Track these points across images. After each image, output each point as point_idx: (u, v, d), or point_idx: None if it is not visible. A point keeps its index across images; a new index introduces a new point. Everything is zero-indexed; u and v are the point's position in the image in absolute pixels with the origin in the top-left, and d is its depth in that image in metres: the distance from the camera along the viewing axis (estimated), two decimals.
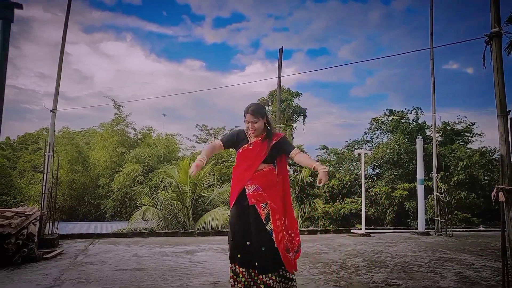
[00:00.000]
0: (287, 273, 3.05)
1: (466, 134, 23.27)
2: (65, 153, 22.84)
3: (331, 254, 5.71)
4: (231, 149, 3.52)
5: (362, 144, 25.98)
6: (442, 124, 22.39)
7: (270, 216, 3.04)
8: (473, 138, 23.19)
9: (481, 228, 10.29)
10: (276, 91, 23.17)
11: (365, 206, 9.39)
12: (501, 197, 2.82)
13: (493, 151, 19.39)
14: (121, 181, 21.26)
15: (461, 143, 22.62)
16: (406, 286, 3.86)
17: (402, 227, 11.39)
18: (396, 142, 20.68)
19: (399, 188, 18.51)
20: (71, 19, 7.61)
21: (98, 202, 23.06)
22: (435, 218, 8.80)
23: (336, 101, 56.12)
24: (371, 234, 8.40)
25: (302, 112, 24.01)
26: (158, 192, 18.24)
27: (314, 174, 21.77)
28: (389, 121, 23.88)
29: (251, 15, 51.84)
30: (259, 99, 25.75)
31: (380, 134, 25.26)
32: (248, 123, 3.16)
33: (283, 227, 3.06)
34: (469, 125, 22.99)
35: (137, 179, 21.15)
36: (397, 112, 24.57)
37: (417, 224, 9.14)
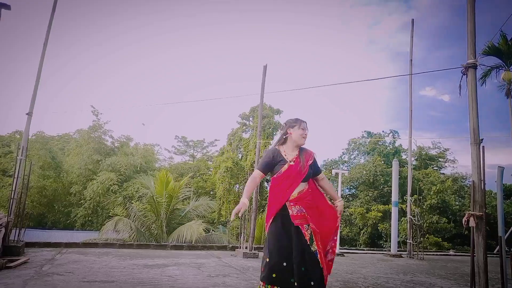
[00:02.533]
0: None
1: (440, 159, 23.94)
2: (38, 158, 22.15)
3: None
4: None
5: (339, 164, 26.29)
6: (417, 148, 22.99)
7: (313, 237, 3.09)
8: (446, 164, 23.89)
9: (451, 253, 10.50)
10: (257, 107, 23.32)
11: (340, 226, 9.45)
12: (472, 223, 2.88)
13: (465, 177, 19.99)
14: (95, 190, 20.74)
15: (434, 168, 23.22)
16: None
17: (375, 248, 11.49)
18: (373, 164, 21.05)
19: (373, 210, 18.76)
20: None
21: (69, 210, 22.38)
22: (407, 240, 8.93)
23: (316, 120, 56.84)
24: (345, 254, 8.43)
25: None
26: (132, 203, 17.86)
27: None
28: (367, 142, 24.33)
29: None
30: (240, 114, 25.80)
31: (358, 155, 25.69)
32: (304, 130, 3.31)
33: (324, 248, 3.16)
34: (443, 151, 23.68)
35: (111, 188, 20.68)
36: (375, 134, 25.08)
37: (390, 245, 9.24)
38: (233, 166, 23.17)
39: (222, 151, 26.46)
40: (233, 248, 7.65)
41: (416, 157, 23.05)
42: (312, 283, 3.00)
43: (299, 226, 3.10)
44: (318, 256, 3.06)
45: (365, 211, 18.89)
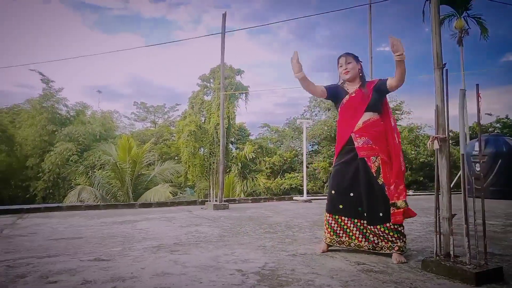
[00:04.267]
0: (400, 227, 3.03)
1: (396, 112, 24.80)
2: None
3: (276, 218, 5.81)
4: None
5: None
6: None
7: (381, 170, 3.01)
8: (403, 116, 24.79)
9: (410, 193, 11.15)
10: (217, 68, 22.73)
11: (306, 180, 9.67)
12: (436, 145, 2.97)
13: (419, 127, 20.91)
14: (53, 161, 19.88)
15: None
16: None
17: None
18: (334, 119, 21.47)
19: None
20: None
21: (27, 184, 21.40)
22: None
23: (277, 80, 56.88)
24: (312, 201, 8.70)
25: (244, 90, 23.92)
26: (95, 171, 17.36)
27: (255, 150, 22.05)
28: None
29: None
30: (200, 76, 25.18)
31: (319, 111, 26.05)
32: (341, 66, 3.18)
33: (391, 180, 3.03)
34: (399, 103, 24.51)
35: (71, 159, 19.90)
36: None
37: None
38: (196, 130, 22.87)
39: (184, 115, 25.95)
40: (203, 203, 7.65)
41: None
42: (380, 214, 2.98)
43: (365, 158, 3.03)
44: (386, 189, 2.99)
45: (328, 165, 19.43)
